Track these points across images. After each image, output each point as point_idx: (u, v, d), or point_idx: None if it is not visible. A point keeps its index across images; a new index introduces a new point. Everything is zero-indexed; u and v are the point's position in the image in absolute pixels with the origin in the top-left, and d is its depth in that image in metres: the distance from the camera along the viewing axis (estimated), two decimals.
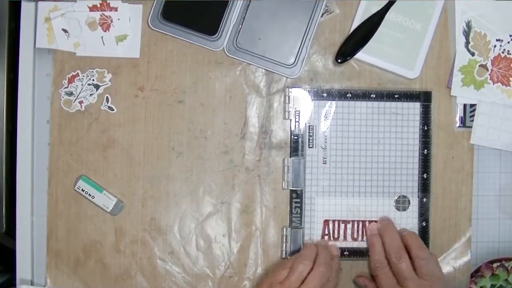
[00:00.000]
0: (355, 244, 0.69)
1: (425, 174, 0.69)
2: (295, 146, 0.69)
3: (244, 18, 0.68)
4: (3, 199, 0.70)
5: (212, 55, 0.69)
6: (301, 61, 0.68)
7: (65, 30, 0.68)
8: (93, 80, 0.69)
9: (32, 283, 0.69)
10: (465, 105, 0.70)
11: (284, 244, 0.69)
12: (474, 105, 0.70)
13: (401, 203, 0.70)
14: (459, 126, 0.70)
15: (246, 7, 0.68)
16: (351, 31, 0.69)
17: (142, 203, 0.69)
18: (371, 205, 0.69)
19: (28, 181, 0.69)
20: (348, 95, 0.69)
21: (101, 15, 0.68)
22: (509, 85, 0.69)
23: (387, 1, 0.68)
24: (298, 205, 0.69)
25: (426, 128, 0.69)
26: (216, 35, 0.68)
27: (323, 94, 0.69)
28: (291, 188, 0.69)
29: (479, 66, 0.69)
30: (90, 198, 0.68)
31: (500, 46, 0.69)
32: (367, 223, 0.69)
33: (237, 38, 0.68)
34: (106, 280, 0.69)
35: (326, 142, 0.69)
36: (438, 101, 0.70)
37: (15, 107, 0.69)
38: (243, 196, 0.69)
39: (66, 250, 0.69)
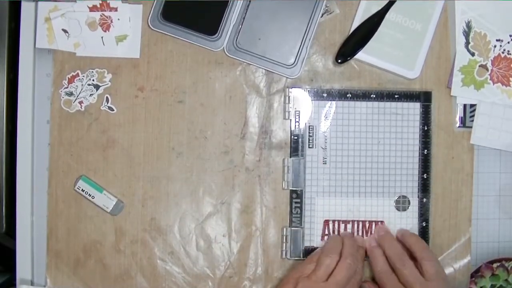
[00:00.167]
0: None
1: (425, 174, 0.69)
2: (295, 146, 0.69)
3: (244, 18, 0.68)
4: (3, 199, 0.70)
5: (212, 55, 0.69)
6: (301, 61, 0.68)
7: (65, 30, 0.68)
8: (93, 80, 0.69)
9: (32, 283, 0.69)
10: (465, 105, 0.70)
11: (284, 244, 0.69)
12: (474, 105, 0.70)
13: (401, 203, 0.70)
14: (459, 126, 0.70)
15: (246, 7, 0.68)
16: (351, 31, 0.69)
17: (142, 203, 0.69)
18: (371, 205, 0.69)
19: (28, 181, 0.69)
20: (348, 95, 0.69)
21: (101, 15, 0.68)
22: (509, 85, 0.69)
23: (387, 1, 0.68)
24: (298, 205, 0.69)
25: (426, 128, 0.69)
26: (216, 35, 0.68)
27: (323, 94, 0.69)
28: (291, 188, 0.69)
29: (479, 66, 0.69)
30: (90, 198, 0.68)
31: (500, 46, 0.69)
32: (367, 223, 0.69)
33: (237, 38, 0.68)
34: (106, 280, 0.69)
35: (326, 142, 0.69)
36: (438, 101, 0.70)
37: (15, 107, 0.69)
38: (243, 196, 0.69)
39: (66, 250, 0.69)
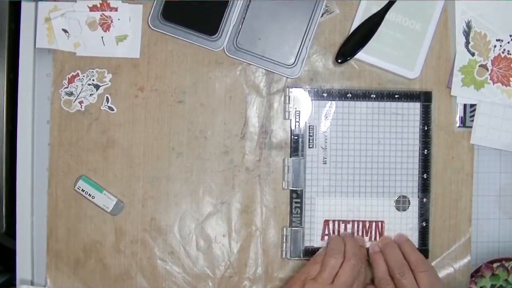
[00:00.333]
0: None
1: (425, 174, 0.69)
2: (295, 146, 0.69)
3: (244, 18, 0.68)
4: (3, 199, 0.70)
5: (212, 55, 0.69)
6: (301, 61, 0.68)
7: (65, 30, 0.68)
8: (93, 80, 0.69)
9: (32, 283, 0.69)
10: (465, 105, 0.70)
11: (284, 244, 0.69)
12: (474, 105, 0.70)
13: (401, 203, 0.70)
14: (459, 126, 0.70)
15: (246, 7, 0.68)
16: (351, 31, 0.69)
17: (142, 203, 0.69)
18: (371, 205, 0.69)
19: (28, 181, 0.69)
20: (348, 95, 0.69)
21: (101, 15, 0.68)
22: (509, 85, 0.69)
23: (387, 1, 0.68)
24: (298, 205, 0.69)
25: (426, 128, 0.69)
26: (216, 35, 0.68)
27: (323, 94, 0.69)
28: (291, 188, 0.69)
29: (479, 66, 0.69)
30: (90, 198, 0.68)
31: (500, 46, 0.69)
32: (367, 223, 0.69)
33: (237, 38, 0.68)
34: (106, 280, 0.69)
35: (326, 142, 0.69)
36: (438, 101, 0.70)
37: (15, 107, 0.69)
38: (243, 196, 0.69)
39: (66, 250, 0.69)
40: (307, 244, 0.69)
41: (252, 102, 0.69)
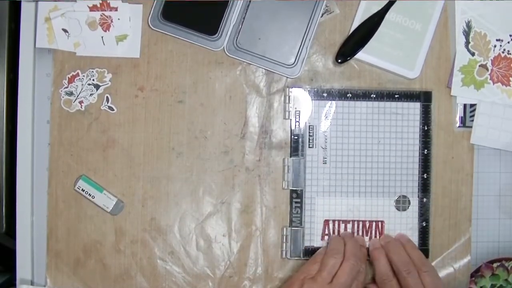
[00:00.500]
0: None
1: (425, 174, 0.69)
2: (295, 146, 0.69)
3: (244, 18, 0.68)
4: (3, 199, 0.70)
5: (212, 55, 0.69)
6: (301, 61, 0.68)
7: (65, 30, 0.68)
8: (93, 80, 0.69)
9: (32, 283, 0.69)
10: (465, 105, 0.70)
11: (284, 244, 0.69)
12: (474, 105, 0.70)
13: (401, 203, 0.70)
14: (459, 126, 0.70)
15: (246, 7, 0.68)
16: (351, 31, 0.69)
17: (142, 203, 0.69)
18: (371, 205, 0.69)
19: (28, 181, 0.69)
20: (348, 95, 0.69)
21: (101, 15, 0.68)
22: (509, 85, 0.69)
23: (387, 1, 0.68)
24: (298, 205, 0.69)
25: (426, 128, 0.69)
26: (216, 35, 0.68)
27: (323, 94, 0.69)
28: (291, 188, 0.69)
29: (479, 66, 0.69)
30: (90, 198, 0.68)
31: (500, 46, 0.69)
32: (367, 223, 0.69)
33: (237, 38, 0.68)
34: (106, 280, 0.69)
35: (326, 142, 0.69)
36: (438, 101, 0.70)
37: (15, 107, 0.69)
38: (243, 196, 0.69)
39: (66, 250, 0.69)
40: (307, 244, 0.69)
41: (252, 102, 0.69)
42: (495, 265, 0.69)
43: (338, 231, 0.69)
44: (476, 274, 0.69)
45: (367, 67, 0.70)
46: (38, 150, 0.70)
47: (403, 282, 0.63)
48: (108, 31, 0.68)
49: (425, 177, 0.69)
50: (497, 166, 0.71)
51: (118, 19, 0.68)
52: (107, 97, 0.69)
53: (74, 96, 0.69)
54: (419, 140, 0.69)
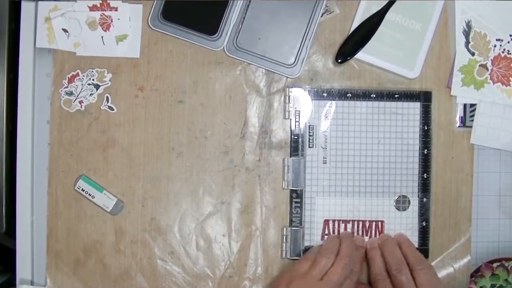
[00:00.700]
0: None
1: (425, 174, 0.69)
2: (295, 146, 0.69)
3: (244, 18, 0.68)
4: (3, 199, 0.70)
5: (212, 55, 0.69)
6: (301, 61, 0.68)
7: (65, 30, 0.68)
8: (93, 80, 0.69)
9: (32, 283, 0.69)
10: (465, 105, 0.70)
11: (284, 244, 0.69)
12: (474, 105, 0.70)
13: (401, 203, 0.70)
14: (459, 126, 0.70)
15: (246, 7, 0.68)
16: (351, 31, 0.69)
17: (142, 203, 0.69)
18: (371, 205, 0.69)
19: (28, 181, 0.69)
20: (348, 95, 0.69)
21: (101, 15, 0.68)
22: (509, 85, 0.69)
23: (387, 1, 0.68)
24: (298, 205, 0.69)
25: (426, 128, 0.69)
26: (216, 35, 0.68)
27: (323, 94, 0.69)
28: (291, 188, 0.69)
29: (479, 66, 0.69)
30: (90, 198, 0.68)
31: (500, 46, 0.69)
32: (367, 223, 0.69)
33: (237, 38, 0.68)
34: (106, 280, 0.69)
35: (326, 142, 0.69)
36: (438, 101, 0.70)
37: (15, 107, 0.69)
38: (243, 196, 0.69)
39: (66, 250, 0.69)
40: (307, 244, 0.69)
41: (252, 102, 0.69)
42: (495, 265, 0.69)
43: (338, 231, 0.69)
44: (476, 274, 0.69)
45: (367, 67, 0.70)
46: (38, 150, 0.70)
47: (395, 280, 0.63)
48: (108, 31, 0.68)
49: (425, 177, 0.69)
50: (497, 166, 0.71)
51: (118, 19, 0.68)
52: (107, 97, 0.69)
53: (74, 96, 0.69)
54: (419, 140, 0.69)
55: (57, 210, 0.69)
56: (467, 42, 0.69)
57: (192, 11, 0.68)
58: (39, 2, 0.68)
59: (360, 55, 0.68)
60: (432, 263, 0.69)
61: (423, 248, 0.69)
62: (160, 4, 0.68)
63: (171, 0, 0.68)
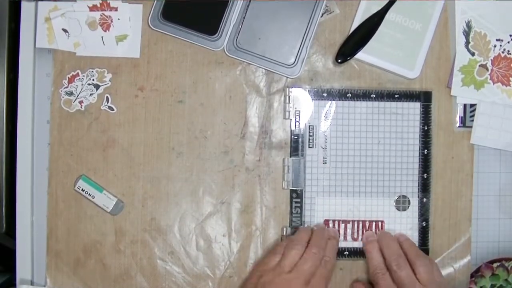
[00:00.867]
0: (355, 244, 0.69)
1: (425, 174, 0.69)
2: (295, 146, 0.69)
3: (244, 18, 0.68)
4: (3, 199, 0.70)
5: (212, 55, 0.69)
6: (301, 61, 0.68)
7: (65, 30, 0.68)
8: (93, 80, 0.69)
9: (32, 283, 0.69)
10: (465, 105, 0.70)
11: None
12: (474, 105, 0.70)
13: (401, 203, 0.70)
14: (459, 126, 0.70)
15: (246, 7, 0.68)
16: (351, 31, 0.69)
17: (142, 203, 0.69)
18: (371, 205, 0.69)
19: (28, 181, 0.69)
20: (348, 95, 0.69)
21: (101, 15, 0.68)
22: (509, 85, 0.69)
23: (387, 1, 0.68)
24: (298, 205, 0.69)
25: (426, 128, 0.69)
26: (216, 35, 0.68)
27: (323, 94, 0.69)
28: (291, 188, 0.69)
29: (479, 66, 0.69)
30: (90, 198, 0.68)
31: (500, 46, 0.69)
32: (367, 223, 0.69)
33: (237, 38, 0.68)
34: (106, 280, 0.69)
35: (326, 142, 0.69)
36: (438, 101, 0.70)
37: (15, 107, 0.69)
38: (243, 196, 0.69)
39: (66, 250, 0.69)
40: None
41: (252, 102, 0.69)
42: (495, 265, 0.69)
43: (338, 231, 0.69)
44: (476, 274, 0.69)
45: (367, 67, 0.70)
46: (38, 150, 0.70)
47: (395, 276, 0.62)
48: (108, 31, 0.68)
49: (425, 177, 0.69)
50: (497, 166, 0.71)
51: (118, 19, 0.68)
52: (107, 97, 0.69)
53: (74, 96, 0.69)
54: (419, 140, 0.69)
55: (57, 210, 0.69)
56: (467, 42, 0.69)
57: (192, 11, 0.68)
58: (39, 2, 0.68)
59: (360, 55, 0.68)
60: None
61: (423, 248, 0.69)
62: (160, 4, 0.68)
63: (171, 0, 0.68)
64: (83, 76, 0.69)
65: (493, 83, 0.69)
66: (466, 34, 0.69)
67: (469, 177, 0.70)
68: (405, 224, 0.69)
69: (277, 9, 0.68)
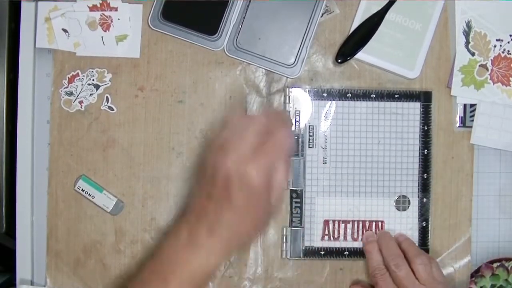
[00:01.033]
0: (355, 244, 0.69)
1: (425, 174, 0.69)
2: (295, 146, 0.69)
3: (244, 18, 0.68)
4: (3, 199, 0.70)
5: (212, 55, 0.69)
6: (301, 61, 0.68)
7: (65, 30, 0.68)
8: (93, 80, 0.69)
9: (32, 283, 0.69)
10: (465, 105, 0.70)
11: (284, 244, 0.69)
12: (474, 105, 0.70)
13: (401, 203, 0.69)
14: (459, 126, 0.70)
15: (246, 7, 0.68)
16: (351, 31, 0.69)
17: (142, 203, 0.69)
18: (371, 205, 0.69)
19: (28, 181, 0.69)
20: (348, 95, 0.69)
21: (101, 15, 0.68)
22: (509, 85, 0.69)
23: (387, 1, 0.68)
24: (298, 205, 0.69)
25: (426, 128, 0.69)
26: (216, 35, 0.68)
27: (323, 94, 0.69)
28: (291, 188, 0.69)
29: (479, 66, 0.69)
30: (90, 198, 0.68)
31: (500, 46, 0.69)
32: (367, 223, 0.69)
33: (237, 38, 0.68)
34: (106, 280, 0.69)
35: (326, 142, 0.69)
36: (438, 101, 0.70)
37: (15, 107, 0.69)
38: None
39: (66, 250, 0.69)
40: (307, 244, 0.69)
41: (252, 102, 0.69)
42: (495, 265, 0.69)
43: (338, 231, 0.69)
44: (476, 274, 0.69)
45: (367, 67, 0.70)
46: (38, 150, 0.70)
47: (394, 276, 0.62)
48: (108, 31, 0.68)
49: (425, 177, 0.69)
50: (497, 166, 0.71)
51: (118, 19, 0.68)
52: (107, 97, 0.69)
53: (74, 96, 0.69)
54: (419, 140, 0.69)
55: (57, 210, 0.69)
56: (467, 42, 0.69)
57: (192, 11, 0.68)
58: (39, 2, 0.68)
59: (360, 55, 0.68)
60: None
61: (423, 248, 0.69)
62: (160, 4, 0.68)
63: (171, 0, 0.68)
64: (83, 76, 0.69)
65: (493, 83, 0.69)
66: (466, 34, 0.69)
67: (469, 177, 0.70)
68: (405, 224, 0.69)
69: (277, 9, 0.68)
